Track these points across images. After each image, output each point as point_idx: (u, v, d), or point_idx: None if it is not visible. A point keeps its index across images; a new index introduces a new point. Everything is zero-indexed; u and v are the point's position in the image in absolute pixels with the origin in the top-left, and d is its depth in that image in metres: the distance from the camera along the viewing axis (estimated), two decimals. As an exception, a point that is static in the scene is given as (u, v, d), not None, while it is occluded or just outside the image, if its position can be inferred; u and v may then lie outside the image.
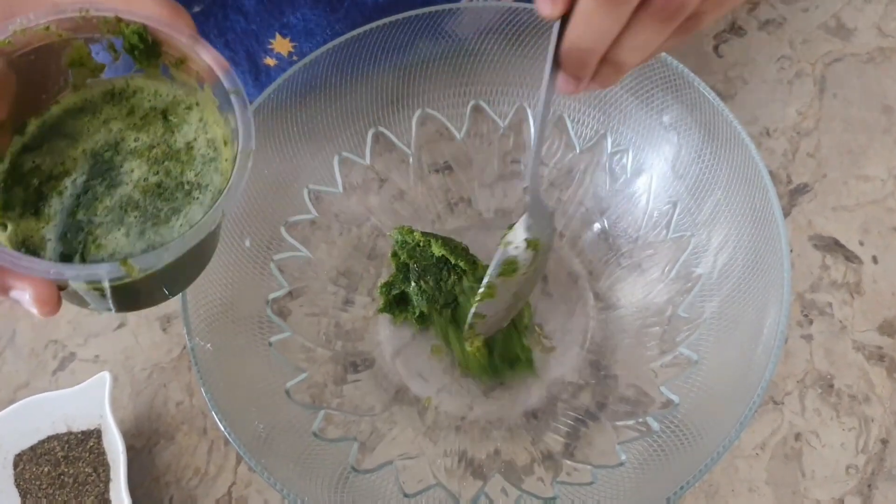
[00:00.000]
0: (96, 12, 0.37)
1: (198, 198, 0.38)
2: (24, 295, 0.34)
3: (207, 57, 0.37)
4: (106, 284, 0.35)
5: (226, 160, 0.39)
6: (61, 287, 0.36)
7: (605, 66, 0.38)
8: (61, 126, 0.40)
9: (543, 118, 0.42)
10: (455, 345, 0.58)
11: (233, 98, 0.37)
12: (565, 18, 0.36)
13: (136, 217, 0.38)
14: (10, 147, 0.38)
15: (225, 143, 0.39)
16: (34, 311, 0.35)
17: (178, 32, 0.37)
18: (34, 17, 0.36)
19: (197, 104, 0.40)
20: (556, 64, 0.38)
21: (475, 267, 0.57)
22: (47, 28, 0.37)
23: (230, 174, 0.36)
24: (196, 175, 0.39)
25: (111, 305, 0.39)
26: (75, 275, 0.34)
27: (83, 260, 0.36)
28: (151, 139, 0.40)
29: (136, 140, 0.39)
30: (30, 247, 0.36)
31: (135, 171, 0.39)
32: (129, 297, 0.39)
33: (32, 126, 0.39)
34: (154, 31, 0.38)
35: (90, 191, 0.38)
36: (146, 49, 0.39)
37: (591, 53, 0.37)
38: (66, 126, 0.40)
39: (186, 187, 0.39)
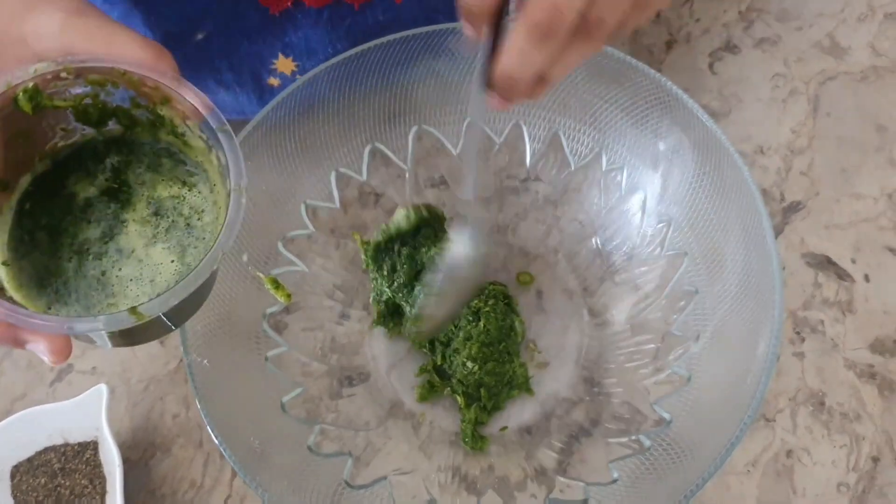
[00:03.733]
0: (79, 63, 0.38)
1: (197, 237, 0.40)
2: (38, 346, 0.36)
3: (191, 97, 0.39)
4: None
5: (217, 200, 0.41)
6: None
7: (535, 84, 0.39)
8: (59, 177, 0.41)
9: (475, 135, 0.44)
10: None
11: (220, 136, 0.38)
12: (495, 37, 0.37)
13: (138, 262, 0.40)
14: (8, 202, 0.40)
15: (213, 185, 0.41)
16: (46, 359, 0.37)
17: (162, 75, 0.38)
18: (20, 74, 0.37)
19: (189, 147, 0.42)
20: (488, 83, 0.39)
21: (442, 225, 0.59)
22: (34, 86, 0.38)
23: (225, 212, 0.37)
24: (193, 215, 0.41)
25: (117, 343, 0.41)
26: (90, 328, 0.35)
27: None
28: (150, 190, 0.42)
29: (138, 190, 0.42)
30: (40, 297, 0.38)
31: (134, 221, 0.41)
32: (135, 335, 0.41)
33: (26, 180, 0.41)
34: (138, 75, 0.39)
35: (94, 240, 0.40)
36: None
37: (523, 81, 0.38)
38: (63, 177, 0.41)
39: (185, 227, 0.40)
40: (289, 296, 0.58)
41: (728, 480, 0.57)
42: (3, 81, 0.37)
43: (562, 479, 0.54)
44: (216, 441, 0.48)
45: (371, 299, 0.61)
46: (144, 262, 0.40)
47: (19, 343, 0.36)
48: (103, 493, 0.58)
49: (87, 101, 0.40)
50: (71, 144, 0.42)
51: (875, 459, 0.58)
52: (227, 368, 0.53)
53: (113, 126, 0.42)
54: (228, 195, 0.38)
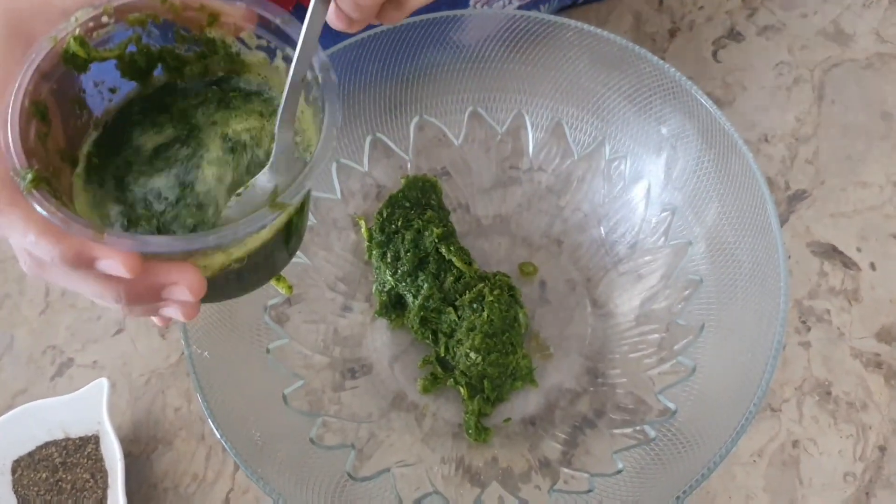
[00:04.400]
0: (117, 1, 0.36)
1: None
2: (179, 290, 0.34)
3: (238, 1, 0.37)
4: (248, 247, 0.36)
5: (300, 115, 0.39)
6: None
7: (389, 5, 0.38)
8: (121, 135, 0.39)
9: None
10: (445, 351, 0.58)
11: (284, 27, 0.36)
12: None
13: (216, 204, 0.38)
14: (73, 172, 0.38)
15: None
16: (189, 298, 0.34)
17: None
18: (63, 27, 0.35)
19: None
20: None
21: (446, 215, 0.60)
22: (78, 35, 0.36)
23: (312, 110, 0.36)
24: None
25: (247, 282, 0.40)
26: (242, 232, 0.33)
27: None
28: (223, 127, 0.40)
29: (209, 130, 0.39)
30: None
31: (210, 163, 0.39)
32: (263, 264, 0.39)
33: (87, 146, 0.39)
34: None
35: (168, 187, 0.38)
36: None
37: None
38: (125, 134, 0.39)
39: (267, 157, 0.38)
40: (290, 287, 0.57)
41: (734, 471, 0.57)
42: (48, 39, 0.35)
43: (566, 470, 0.53)
44: (217, 434, 0.47)
45: (374, 290, 0.61)
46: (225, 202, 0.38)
47: (157, 291, 0.34)
48: (105, 488, 0.58)
49: (132, 47, 0.38)
50: (124, 104, 0.40)
51: (882, 449, 0.57)
52: (228, 361, 0.53)
53: (160, 74, 0.40)
54: (313, 83, 0.36)
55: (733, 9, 0.74)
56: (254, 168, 0.38)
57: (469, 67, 0.61)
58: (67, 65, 0.36)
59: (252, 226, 0.33)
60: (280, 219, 0.37)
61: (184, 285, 0.34)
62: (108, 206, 0.37)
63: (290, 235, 0.39)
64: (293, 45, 0.36)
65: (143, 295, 0.34)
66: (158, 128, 0.39)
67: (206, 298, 0.36)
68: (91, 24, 0.36)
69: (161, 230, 0.37)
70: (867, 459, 0.57)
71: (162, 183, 0.38)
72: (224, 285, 0.38)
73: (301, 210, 0.39)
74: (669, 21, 0.74)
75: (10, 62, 0.34)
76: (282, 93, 0.36)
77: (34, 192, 0.32)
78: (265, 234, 0.37)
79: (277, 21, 0.37)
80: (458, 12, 0.58)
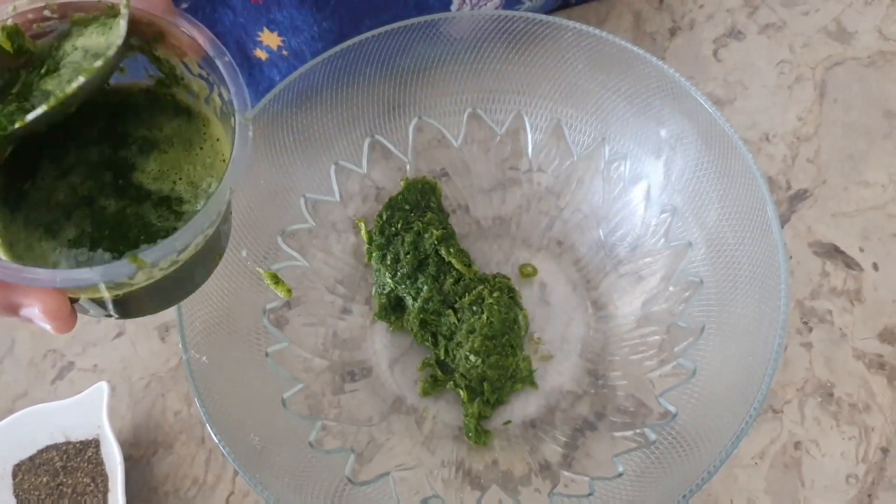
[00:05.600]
0: None
1: (199, 181, 0.37)
2: (33, 311, 0.32)
3: (189, 29, 0.36)
4: (108, 293, 0.34)
5: (221, 147, 0.38)
6: (73, 299, 0.35)
7: None
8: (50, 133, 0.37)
9: None
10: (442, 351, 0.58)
11: (219, 64, 0.35)
12: None
13: (148, 210, 0.36)
14: None
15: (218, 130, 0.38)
16: (48, 327, 0.33)
17: (155, 8, 0.36)
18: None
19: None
20: None
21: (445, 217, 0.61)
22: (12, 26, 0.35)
23: (230, 151, 0.35)
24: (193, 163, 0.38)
25: (114, 312, 0.38)
26: (86, 278, 0.31)
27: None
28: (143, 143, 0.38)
29: (130, 141, 0.38)
30: (32, 259, 0.35)
31: (143, 166, 0.37)
32: (137, 301, 0.38)
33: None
34: (131, 9, 0.35)
35: (89, 197, 0.37)
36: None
37: None
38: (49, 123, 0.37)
39: (190, 179, 0.38)
40: (289, 291, 0.58)
41: (735, 473, 0.57)
42: None
43: (566, 473, 0.53)
44: (215, 439, 0.47)
45: (373, 293, 0.61)
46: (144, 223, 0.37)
47: (13, 308, 0.33)
48: (105, 491, 0.58)
49: None
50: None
51: (884, 450, 0.57)
52: (226, 365, 0.53)
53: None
54: (233, 131, 0.35)
55: (734, 7, 0.74)
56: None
57: (468, 69, 0.61)
58: None
59: (98, 273, 0.32)
60: (152, 269, 0.34)
61: (40, 310, 0.32)
62: (23, 211, 0.36)
63: (193, 271, 0.38)
64: (226, 86, 0.35)
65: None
66: (76, 144, 0.38)
67: (85, 311, 0.35)
68: (31, 15, 0.35)
69: (84, 247, 0.36)
70: (870, 461, 0.57)
71: (81, 200, 0.37)
72: (102, 310, 0.37)
73: (210, 242, 0.37)
74: (670, 20, 0.74)
75: None
76: (208, 127, 0.37)
77: None
78: (140, 278, 0.35)
79: (218, 62, 0.36)
80: (445, 15, 0.58)
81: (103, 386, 0.58)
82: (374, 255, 0.60)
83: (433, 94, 0.62)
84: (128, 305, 0.38)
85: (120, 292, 0.35)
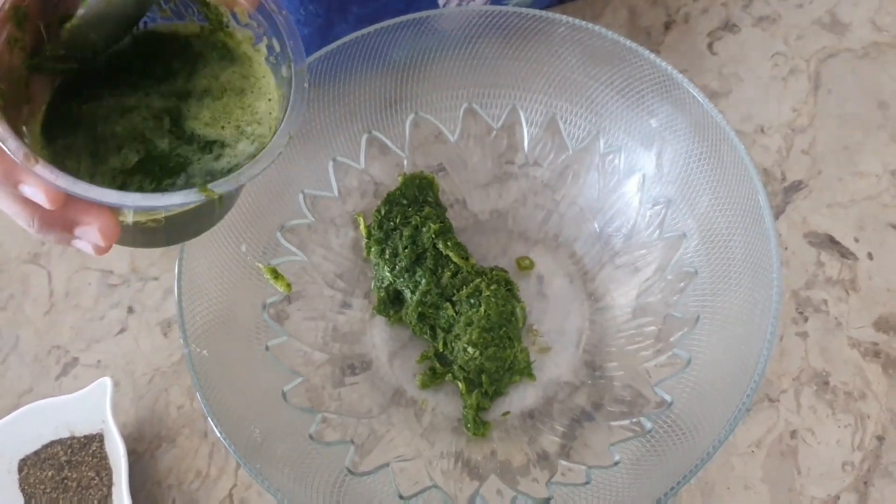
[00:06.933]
0: None
1: (245, 126, 0.39)
2: (91, 229, 0.35)
3: None
4: (172, 212, 0.36)
5: (266, 96, 0.40)
6: None
7: None
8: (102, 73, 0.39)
9: None
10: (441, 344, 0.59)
11: (277, 19, 0.38)
12: None
13: (190, 152, 0.38)
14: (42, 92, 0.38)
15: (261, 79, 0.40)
16: (99, 244, 0.35)
17: None
18: None
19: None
20: None
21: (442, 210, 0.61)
22: None
23: (280, 103, 0.37)
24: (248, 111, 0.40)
25: (161, 238, 0.41)
26: (159, 203, 0.34)
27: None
28: (205, 82, 0.40)
29: (187, 81, 0.40)
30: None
31: (197, 113, 0.39)
32: (181, 227, 0.40)
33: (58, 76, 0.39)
34: None
35: (143, 137, 0.38)
36: None
37: None
38: (108, 76, 0.39)
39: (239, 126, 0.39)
40: (289, 285, 0.58)
41: (732, 461, 0.57)
42: None
43: (564, 462, 0.54)
44: (216, 431, 0.48)
45: (372, 286, 0.61)
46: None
47: (70, 226, 0.35)
48: (110, 485, 0.58)
49: None
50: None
51: (880, 438, 0.57)
52: (227, 359, 0.53)
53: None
54: (280, 85, 0.37)
55: (728, 0, 0.74)
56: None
57: (464, 64, 0.62)
58: None
59: (174, 200, 0.34)
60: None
61: (97, 228, 0.35)
62: (75, 149, 0.38)
63: (215, 209, 0.40)
64: (281, 39, 0.37)
65: (57, 225, 0.35)
66: (134, 79, 0.40)
67: (119, 242, 0.37)
68: None
69: (122, 174, 0.37)
70: (865, 449, 0.57)
71: (133, 133, 0.38)
72: (139, 236, 0.40)
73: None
74: (664, 14, 0.74)
75: None
76: (254, 73, 0.39)
77: None
78: (189, 207, 0.37)
79: (275, 16, 0.38)
80: (437, 12, 0.58)
81: (107, 381, 0.59)
82: (372, 249, 0.61)
83: (429, 89, 0.62)
84: (153, 235, 0.40)
85: (160, 217, 0.37)
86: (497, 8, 0.58)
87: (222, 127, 0.39)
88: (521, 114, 0.63)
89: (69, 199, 0.33)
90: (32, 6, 0.35)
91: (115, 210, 0.35)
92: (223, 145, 0.39)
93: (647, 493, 0.48)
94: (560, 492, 0.52)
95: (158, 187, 0.37)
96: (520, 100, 0.62)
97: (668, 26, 0.73)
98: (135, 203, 0.34)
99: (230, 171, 0.37)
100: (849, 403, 0.58)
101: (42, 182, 0.33)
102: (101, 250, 0.36)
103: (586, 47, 0.58)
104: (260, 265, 0.58)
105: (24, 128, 0.36)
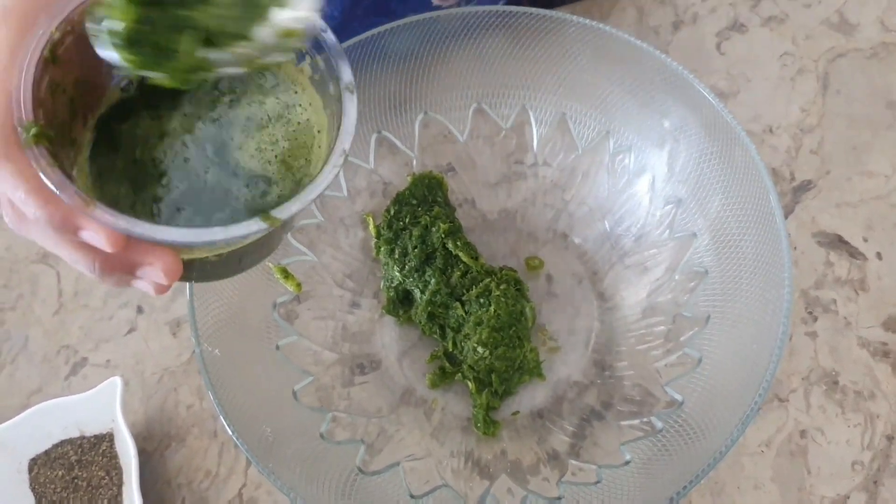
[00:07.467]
0: None
1: (290, 160, 0.38)
2: (154, 269, 0.34)
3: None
4: (234, 246, 0.36)
5: (312, 115, 0.39)
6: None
7: None
8: (150, 98, 0.38)
9: None
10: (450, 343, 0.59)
11: (324, 37, 0.37)
12: None
13: (235, 186, 0.37)
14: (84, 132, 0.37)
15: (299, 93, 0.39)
16: (162, 281, 0.34)
17: None
18: None
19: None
20: None
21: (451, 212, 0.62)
22: None
23: (329, 120, 0.36)
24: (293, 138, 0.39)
25: (222, 271, 0.40)
26: (223, 236, 0.33)
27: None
28: (249, 109, 0.39)
29: (228, 108, 0.38)
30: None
31: (241, 143, 0.38)
32: (244, 257, 0.40)
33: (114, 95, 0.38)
34: None
35: (186, 164, 0.37)
36: None
37: None
38: (148, 100, 0.38)
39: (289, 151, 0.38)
40: (299, 285, 0.58)
41: (742, 461, 0.57)
42: None
43: (574, 462, 0.54)
44: (229, 430, 0.48)
45: (381, 286, 0.61)
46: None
47: (132, 268, 0.34)
48: (120, 484, 0.58)
49: None
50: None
51: (890, 438, 0.57)
52: (238, 358, 0.53)
53: None
54: (326, 102, 0.36)
55: (737, 0, 0.74)
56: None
57: (473, 64, 0.62)
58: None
59: (239, 232, 0.34)
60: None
61: (160, 268, 0.34)
62: (115, 176, 0.37)
63: (274, 237, 0.40)
64: (325, 56, 0.37)
65: (118, 268, 0.35)
66: (177, 106, 0.38)
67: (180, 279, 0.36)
68: None
69: (165, 208, 0.36)
70: (875, 448, 0.57)
71: (176, 162, 0.37)
72: (198, 271, 0.39)
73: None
74: (673, 14, 0.74)
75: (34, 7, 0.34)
76: (301, 100, 0.37)
77: (34, 147, 0.31)
78: (252, 239, 0.37)
79: (323, 36, 0.37)
80: (447, 11, 0.58)
81: (117, 381, 0.59)
82: (382, 249, 0.61)
83: (439, 89, 0.63)
84: (215, 269, 0.40)
85: (224, 251, 0.37)
86: (506, 8, 0.58)
87: (269, 162, 0.38)
88: (531, 113, 0.63)
89: (130, 241, 0.33)
90: (72, 56, 0.35)
91: (176, 247, 0.35)
92: (269, 181, 0.37)
93: (657, 493, 0.48)
94: (570, 491, 0.52)
95: (208, 221, 0.36)
96: (529, 99, 0.62)
97: (676, 26, 0.73)
98: (198, 239, 0.33)
99: (277, 205, 0.36)
100: (858, 403, 0.59)
101: (101, 226, 0.32)
102: (162, 289, 0.36)
103: (596, 47, 0.58)
104: (270, 265, 0.58)
105: (74, 170, 0.36)
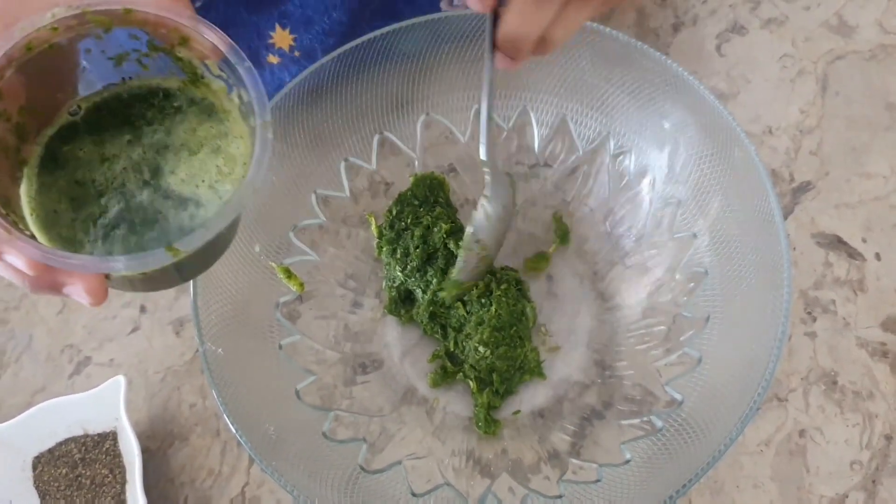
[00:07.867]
0: (100, 6, 0.37)
1: (217, 185, 0.40)
2: (76, 288, 0.37)
3: (210, 35, 0.38)
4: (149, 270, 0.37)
5: (240, 144, 0.40)
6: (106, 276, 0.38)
7: (538, 44, 0.43)
8: (90, 124, 0.40)
9: (490, 97, 0.49)
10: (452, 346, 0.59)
11: (242, 71, 0.38)
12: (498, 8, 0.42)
13: (166, 208, 0.39)
14: (32, 152, 0.39)
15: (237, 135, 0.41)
16: (86, 301, 0.37)
17: (178, 16, 0.38)
18: (38, 20, 0.37)
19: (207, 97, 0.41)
20: (494, 46, 0.45)
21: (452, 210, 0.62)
22: (54, 28, 0.37)
23: (250, 152, 0.37)
24: (217, 165, 0.40)
25: (139, 287, 0.42)
26: (125, 266, 0.35)
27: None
28: (175, 138, 0.41)
29: (155, 134, 0.41)
30: (68, 241, 0.38)
31: (174, 168, 0.40)
32: (154, 280, 0.41)
33: (50, 130, 0.40)
34: (154, 16, 0.38)
35: (123, 187, 0.39)
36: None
37: (525, 40, 0.42)
38: (93, 125, 0.40)
39: (208, 179, 0.40)
40: (301, 285, 0.59)
41: (742, 460, 0.58)
42: (22, 27, 0.36)
43: (575, 461, 0.54)
44: (232, 428, 0.49)
45: (383, 286, 0.62)
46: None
47: (57, 287, 0.37)
48: (123, 483, 0.59)
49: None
50: (94, 98, 0.41)
51: (888, 438, 0.58)
52: (241, 357, 0.54)
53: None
54: (252, 132, 0.38)
55: (736, 2, 0.74)
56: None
57: (474, 65, 0.62)
58: (35, 55, 0.37)
59: (140, 262, 0.35)
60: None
61: (82, 288, 0.37)
62: (56, 192, 0.39)
63: (214, 251, 0.41)
64: (246, 89, 0.38)
65: (45, 286, 0.37)
66: (118, 134, 0.41)
67: (117, 288, 0.39)
68: (73, 21, 0.37)
69: (101, 226, 0.39)
70: (873, 448, 0.58)
71: (114, 184, 0.39)
72: (133, 284, 0.41)
73: (228, 230, 0.40)
74: (673, 16, 0.74)
75: None
76: (231, 130, 0.40)
77: None
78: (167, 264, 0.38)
79: (239, 68, 0.38)
80: (452, 13, 0.59)
81: (120, 380, 0.59)
82: (384, 249, 0.61)
83: (441, 90, 0.63)
84: (152, 282, 0.41)
85: (147, 271, 0.38)
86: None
87: (197, 186, 0.40)
88: (532, 115, 0.63)
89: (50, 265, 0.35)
90: (13, 86, 0.37)
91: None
92: (198, 204, 0.39)
93: (657, 492, 0.48)
94: (571, 490, 0.52)
95: (140, 241, 0.38)
96: (530, 101, 0.63)
97: (676, 28, 0.74)
98: (97, 269, 0.35)
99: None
100: (857, 403, 0.59)
101: (19, 252, 0.34)
102: (94, 303, 0.38)
103: (597, 49, 0.58)
104: (273, 265, 0.58)
105: (20, 187, 0.38)
